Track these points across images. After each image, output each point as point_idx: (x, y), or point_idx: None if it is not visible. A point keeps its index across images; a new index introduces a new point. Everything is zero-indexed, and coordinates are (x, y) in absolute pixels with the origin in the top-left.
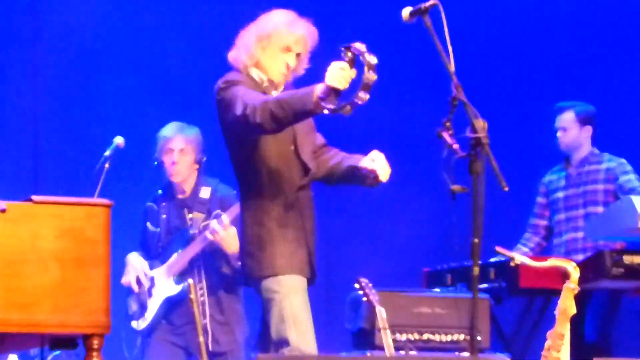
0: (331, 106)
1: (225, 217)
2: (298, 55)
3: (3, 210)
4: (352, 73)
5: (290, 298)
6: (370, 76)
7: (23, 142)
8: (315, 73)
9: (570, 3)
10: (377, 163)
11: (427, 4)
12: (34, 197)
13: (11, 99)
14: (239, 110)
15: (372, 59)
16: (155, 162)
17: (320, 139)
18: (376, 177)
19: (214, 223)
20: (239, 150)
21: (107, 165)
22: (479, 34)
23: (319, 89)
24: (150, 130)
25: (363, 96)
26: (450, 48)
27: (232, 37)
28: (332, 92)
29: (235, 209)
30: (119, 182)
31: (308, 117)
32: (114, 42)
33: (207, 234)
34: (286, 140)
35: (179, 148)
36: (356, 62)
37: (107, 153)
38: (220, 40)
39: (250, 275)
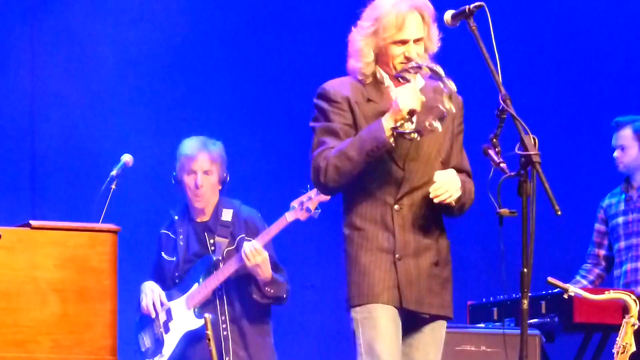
0: (403, 130)
1: (258, 241)
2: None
3: None
4: (422, 97)
5: (365, 331)
6: (448, 105)
7: (19, 159)
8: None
9: (633, 11)
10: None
11: (472, 5)
12: (33, 222)
13: (6, 111)
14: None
15: (452, 85)
16: (173, 181)
17: (459, 161)
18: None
19: (247, 247)
20: None
21: (113, 186)
22: (530, 40)
23: (390, 117)
24: (161, 146)
25: (435, 125)
26: (497, 55)
27: (242, 47)
28: (409, 115)
29: (268, 233)
30: (127, 205)
31: (380, 153)
32: (120, 47)
33: (245, 256)
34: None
35: (204, 169)
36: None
37: (114, 172)
38: (231, 51)
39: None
